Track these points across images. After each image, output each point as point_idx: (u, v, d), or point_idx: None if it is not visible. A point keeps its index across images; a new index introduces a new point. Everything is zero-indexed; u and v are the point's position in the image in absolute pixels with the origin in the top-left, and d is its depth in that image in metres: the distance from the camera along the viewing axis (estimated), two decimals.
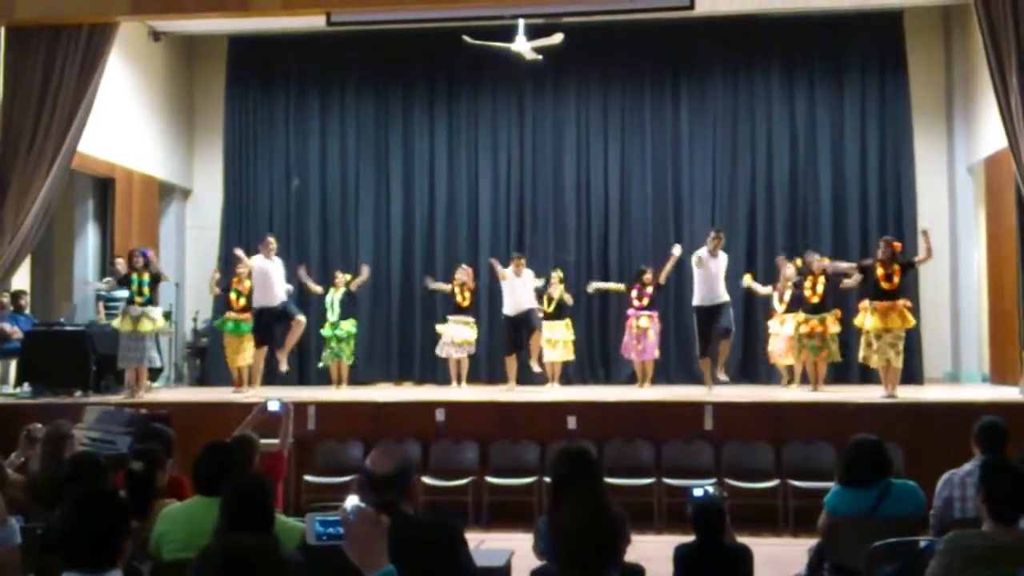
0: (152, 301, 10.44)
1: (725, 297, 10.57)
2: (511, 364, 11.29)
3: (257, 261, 10.92)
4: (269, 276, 10.85)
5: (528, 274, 11.44)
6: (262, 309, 10.87)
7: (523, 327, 11.26)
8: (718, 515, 4.29)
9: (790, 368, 11.50)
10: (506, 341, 11.51)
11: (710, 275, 10.47)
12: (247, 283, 11.21)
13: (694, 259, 10.62)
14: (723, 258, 10.70)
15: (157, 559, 4.15)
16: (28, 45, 10.24)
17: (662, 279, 11.57)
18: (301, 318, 11.01)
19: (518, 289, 11.28)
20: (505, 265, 11.64)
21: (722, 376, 10.53)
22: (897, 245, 9.84)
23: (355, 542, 2.26)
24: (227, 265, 11.58)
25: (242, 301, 11.24)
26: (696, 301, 10.59)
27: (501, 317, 11.71)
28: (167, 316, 12.29)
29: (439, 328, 11.97)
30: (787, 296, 11.28)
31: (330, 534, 2.29)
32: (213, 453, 4.47)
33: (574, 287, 12.29)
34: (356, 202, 13.84)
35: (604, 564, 3.28)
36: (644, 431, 9.13)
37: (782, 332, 11.36)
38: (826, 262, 10.97)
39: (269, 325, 10.91)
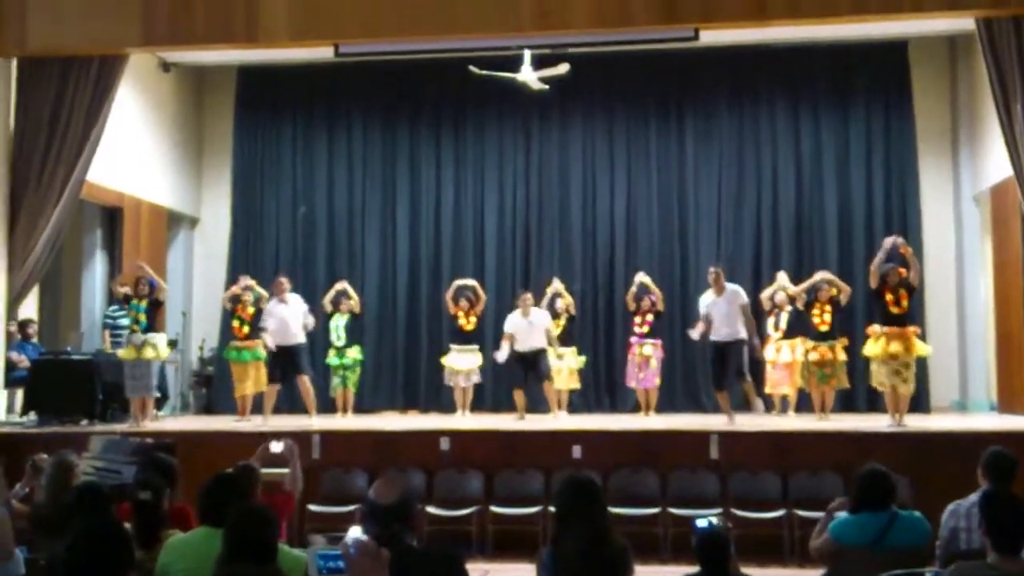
0: (151, 328, 10.46)
1: (742, 334, 10.21)
2: (519, 397, 11.21)
3: (271, 305, 10.96)
4: (283, 318, 10.88)
5: (537, 314, 11.26)
6: (279, 348, 10.87)
7: (532, 369, 11.13)
8: (722, 546, 4.27)
9: (784, 399, 11.45)
10: (519, 378, 11.32)
11: (723, 312, 10.21)
12: (250, 310, 11.23)
13: (702, 311, 10.40)
14: (732, 292, 10.30)
15: None
16: (39, 76, 10.35)
17: (629, 303, 11.70)
18: (304, 377, 11.03)
19: (528, 329, 11.13)
20: (513, 305, 11.58)
21: (759, 405, 10.32)
22: (903, 271, 9.84)
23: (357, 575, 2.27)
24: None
25: (245, 329, 11.24)
26: (712, 336, 10.34)
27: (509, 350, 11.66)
28: (173, 344, 12.32)
29: (443, 361, 11.96)
30: (783, 323, 11.25)
31: (331, 568, 2.30)
32: (220, 484, 4.47)
33: (578, 315, 12.28)
34: (363, 231, 13.90)
35: None
36: (650, 460, 9.09)
37: (779, 360, 11.31)
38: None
39: (284, 364, 10.91)
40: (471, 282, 11.98)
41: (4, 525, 4.31)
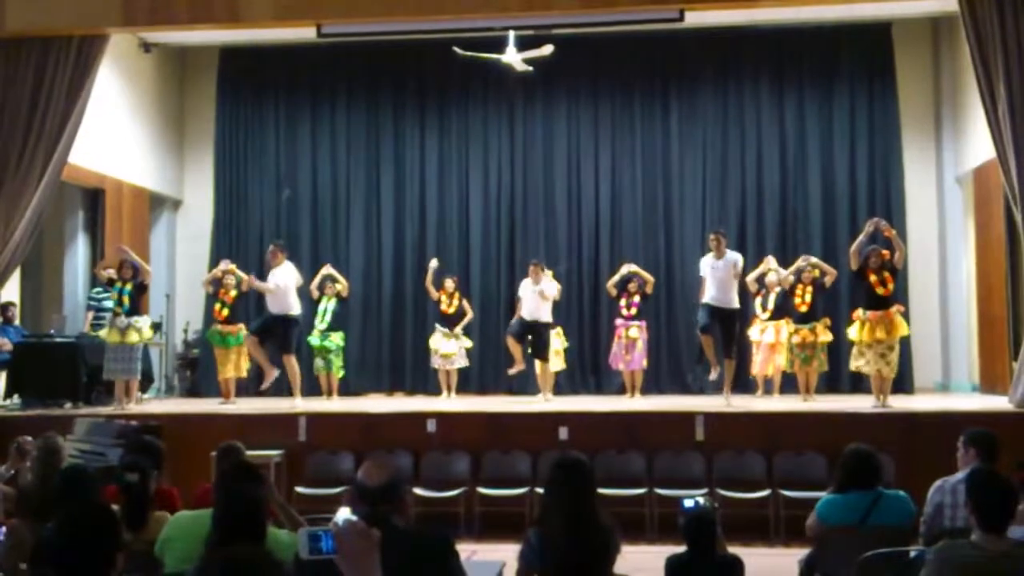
0: (134, 311, 10.39)
1: (736, 304, 10.33)
2: (515, 347, 11.07)
3: (276, 273, 10.69)
4: (283, 286, 10.59)
5: (546, 282, 11.18)
6: (278, 317, 10.58)
7: (536, 334, 11.06)
8: (709, 526, 4.30)
9: (767, 380, 11.47)
10: (515, 331, 11.19)
11: (719, 277, 10.25)
12: (232, 293, 11.15)
13: (701, 273, 10.50)
14: (732, 259, 10.37)
15: (160, 564, 4.15)
16: (18, 56, 10.23)
17: (610, 290, 11.67)
18: (291, 358, 10.74)
19: (534, 297, 11.08)
20: (507, 278, 11.57)
21: (729, 398, 10.25)
22: (886, 253, 9.88)
23: (347, 557, 2.26)
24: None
25: (225, 312, 11.16)
26: (705, 299, 10.34)
27: (493, 332, 11.67)
28: (157, 327, 12.26)
29: (430, 342, 11.93)
30: (770, 303, 11.26)
31: (322, 549, 2.30)
32: (238, 471, 4.43)
33: (563, 297, 12.29)
34: (347, 213, 13.84)
35: (593, 575, 3.29)
36: (635, 441, 9.13)
37: (763, 340, 11.33)
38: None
39: (275, 333, 10.64)
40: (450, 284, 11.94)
41: (22, 536, 4.25)
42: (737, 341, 10.47)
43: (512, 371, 11.18)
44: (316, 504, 8.38)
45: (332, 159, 13.94)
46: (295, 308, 10.75)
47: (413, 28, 10.97)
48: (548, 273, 11.78)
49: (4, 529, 4.20)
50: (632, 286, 11.61)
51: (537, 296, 11.07)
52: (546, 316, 11.14)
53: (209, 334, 11.70)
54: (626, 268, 11.75)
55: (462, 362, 11.86)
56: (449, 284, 11.82)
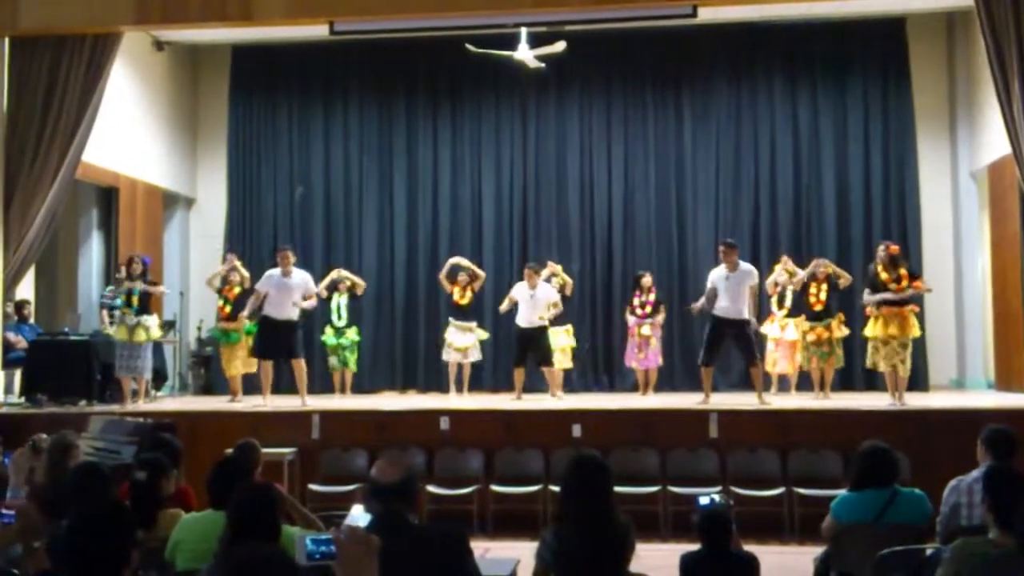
0: (143, 311, 10.39)
1: (745, 315, 10.06)
2: (519, 376, 11.15)
3: (274, 275, 10.60)
4: (284, 291, 10.47)
5: (542, 288, 11.14)
6: (274, 321, 10.48)
7: (535, 346, 11.02)
8: (724, 523, 4.28)
9: (784, 377, 11.41)
10: (516, 353, 11.29)
11: (728, 292, 10.02)
12: (236, 290, 11.12)
13: (709, 284, 10.27)
14: (745, 272, 10.16)
15: (172, 566, 4.16)
16: (32, 55, 10.28)
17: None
18: (301, 361, 10.64)
19: (530, 303, 11.05)
20: (519, 276, 11.53)
21: (767, 397, 10.14)
22: (895, 248, 9.82)
23: (346, 563, 2.25)
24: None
25: (228, 309, 11.12)
26: (716, 312, 10.13)
27: (507, 327, 11.64)
28: (171, 325, 12.29)
29: (445, 336, 11.90)
30: (787, 300, 11.20)
31: (322, 553, 2.29)
32: (226, 468, 4.47)
33: (576, 295, 12.28)
34: (360, 210, 13.86)
35: (609, 574, 3.27)
36: (649, 439, 9.09)
37: (783, 338, 11.27)
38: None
39: (275, 337, 10.54)
40: (466, 262, 11.93)
41: (30, 518, 4.17)
42: (756, 346, 10.32)
43: (511, 398, 11.02)
44: (330, 502, 8.40)
45: (345, 157, 13.96)
46: (294, 314, 10.56)
47: (425, 25, 10.96)
48: (557, 267, 11.73)
49: (12, 512, 4.17)
50: (645, 282, 11.58)
51: (532, 302, 11.02)
52: (543, 320, 11.08)
53: (213, 331, 11.74)
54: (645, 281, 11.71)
55: (476, 355, 11.79)
56: (463, 278, 11.78)
